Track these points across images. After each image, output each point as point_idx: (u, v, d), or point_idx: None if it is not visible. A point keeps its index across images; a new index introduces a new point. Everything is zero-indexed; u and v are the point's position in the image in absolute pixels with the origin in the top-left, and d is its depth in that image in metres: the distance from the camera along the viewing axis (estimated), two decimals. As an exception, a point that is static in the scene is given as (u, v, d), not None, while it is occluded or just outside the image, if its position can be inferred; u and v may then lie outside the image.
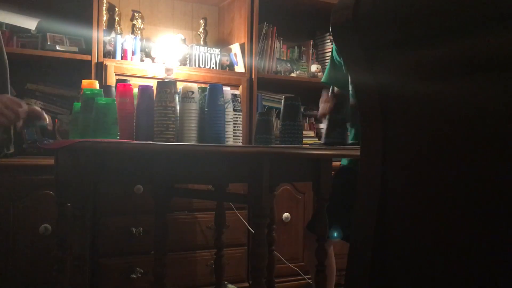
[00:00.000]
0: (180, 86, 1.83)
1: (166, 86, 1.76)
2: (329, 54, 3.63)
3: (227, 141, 1.84)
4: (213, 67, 3.08)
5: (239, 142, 1.95)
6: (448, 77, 0.65)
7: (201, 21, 3.36)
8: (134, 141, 1.73)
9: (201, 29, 3.36)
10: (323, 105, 2.20)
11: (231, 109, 1.89)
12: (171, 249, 2.45)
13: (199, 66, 3.04)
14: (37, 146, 1.74)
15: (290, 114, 1.92)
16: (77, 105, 1.85)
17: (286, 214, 3.01)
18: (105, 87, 1.98)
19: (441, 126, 0.66)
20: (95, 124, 1.65)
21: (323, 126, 3.40)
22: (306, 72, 3.54)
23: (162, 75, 2.81)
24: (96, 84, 1.99)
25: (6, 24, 2.63)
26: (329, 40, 3.63)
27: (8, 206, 2.33)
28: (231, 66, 3.20)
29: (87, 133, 1.68)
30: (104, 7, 2.87)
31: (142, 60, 2.93)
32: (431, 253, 0.66)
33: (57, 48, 2.68)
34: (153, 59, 2.98)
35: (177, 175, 1.90)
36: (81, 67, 2.72)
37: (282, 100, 1.97)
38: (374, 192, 0.73)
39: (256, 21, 3.18)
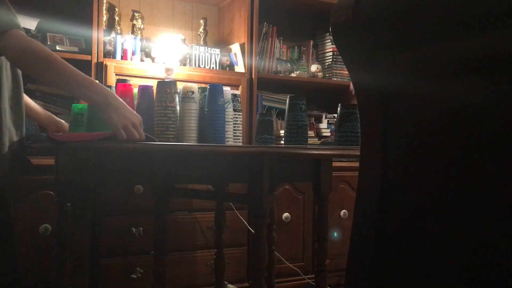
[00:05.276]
0: (180, 86, 1.83)
1: (166, 86, 1.76)
2: (330, 54, 3.63)
3: (227, 141, 1.84)
4: (213, 67, 3.08)
5: (239, 142, 1.95)
6: (448, 76, 0.65)
7: (201, 21, 3.36)
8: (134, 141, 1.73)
9: (201, 29, 3.36)
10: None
11: (231, 109, 1.89)
12: (171, 249, 2.45)
13: (199, 66, 3.04)
14: (34, 143, 1.74)
15: (293, 113, 1.90)
16: (76, 106, 1.85)
17: (286, 214, 3.01)
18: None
19: (441, 125, 0.66)
20: (89, 123, 1.64)
21: (323, 126, 3.41)
22: (306, 72, 3.54)
23: (162, 75, 2.81)
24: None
25: (6, 24, 2.63)
26: (329, 40, 3.63)
27: (8, 206, 2.33)
28: (231, 66, 3.20)
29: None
30: (104, 7, 2.88)
31: (142, 60, 2.93)
32: (432, 252, 0.66)
33: (57, 48, 2.68)
34: (153, 59, 2.98)
35: (177, 175, 1.90)
36: (81, 67, 2.68)
37: (287, 99, 1.95)
38: (374, 191, 0.73)
39: (256, 21, 3.18)
